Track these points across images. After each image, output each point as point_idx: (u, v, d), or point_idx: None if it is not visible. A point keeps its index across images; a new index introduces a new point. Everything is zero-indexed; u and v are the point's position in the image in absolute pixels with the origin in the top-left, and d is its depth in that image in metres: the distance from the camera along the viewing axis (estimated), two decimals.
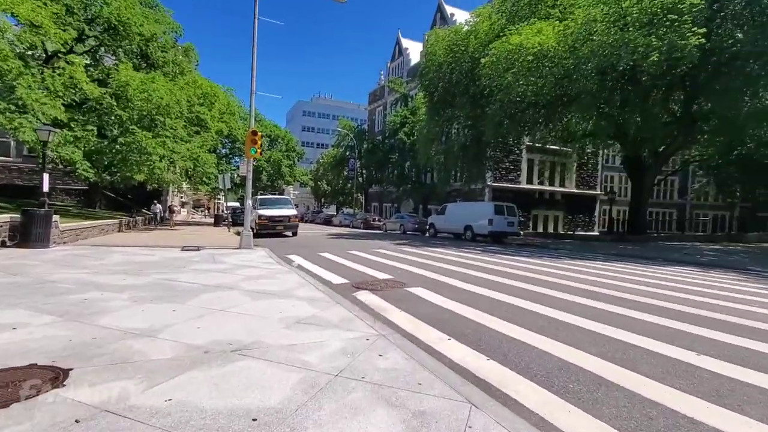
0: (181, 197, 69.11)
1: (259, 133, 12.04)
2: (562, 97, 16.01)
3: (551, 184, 38.45)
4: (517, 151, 33.29)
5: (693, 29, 12.21)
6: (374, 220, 33.49)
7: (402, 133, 36.88)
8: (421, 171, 39.38)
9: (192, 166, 21.80)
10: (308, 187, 68.54)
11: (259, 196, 21.09)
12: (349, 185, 57.44)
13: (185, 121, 23.56)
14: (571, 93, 15.61)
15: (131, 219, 21.05)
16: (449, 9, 41.16)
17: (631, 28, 13.69)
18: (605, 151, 40.05)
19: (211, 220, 33.74)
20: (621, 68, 13.73)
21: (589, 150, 37.08)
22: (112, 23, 21.72)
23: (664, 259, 13.39)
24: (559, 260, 12.04)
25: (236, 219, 34.17)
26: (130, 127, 18.41)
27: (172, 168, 21.57)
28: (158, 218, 24.77)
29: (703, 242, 23.19)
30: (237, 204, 52.75)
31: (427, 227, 23.98)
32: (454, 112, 22.20)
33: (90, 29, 22.19)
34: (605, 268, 10.33)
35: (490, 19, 20.75)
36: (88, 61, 22.86)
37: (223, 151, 33.64)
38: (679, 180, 44.73)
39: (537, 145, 31.47)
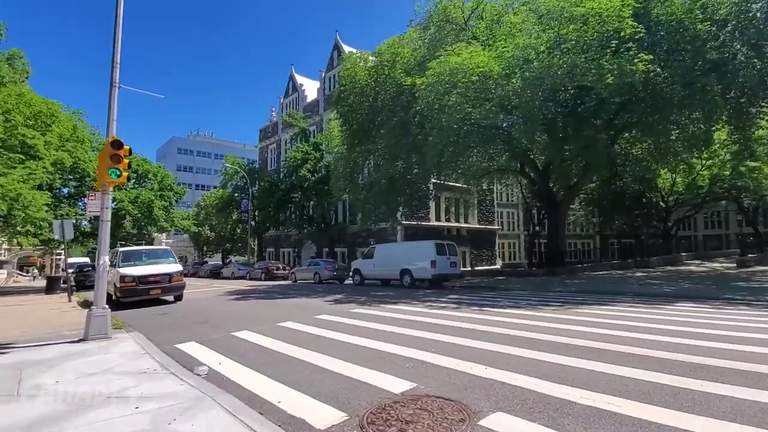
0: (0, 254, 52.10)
1: (127, 147, 7.35)
2: (503, 123, 14.81)
3: (456, 220, 38.75)
4: (425, 188, 32.53)
5: (639, 55, 11.98)
6: (278, 269, 28.29)
7: (304, 169, 33.16)
8: (327, 210, 35.85)
9: (5, 209, 14.58)
10: (186, 235, 58.50)
11: (120, 249, 14.89)
12: (239, 230, 50.22)
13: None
14: (514, 117, 14.50)
15: None
16: (347, 47, 40.36)
17: (571, 54, 13.16)
18: (507, 188, 42.57)
19: (43, 285, 24.36)
20: (572, 90, 12.97)
21: (485, 187, 38.79)
22: None
23: (634, 294, 12.31)
24: (560, 307, 9.74)
25: (84, 279, 25.34)
26: None
27: None
28: None
29: (620, 269, 24.33)
30: (86, 260, 41.21)
31: (351, 274, 20.29)
32: (376, 142, 19.73)
33: None
34: (631, 316, 8.24)
35: (409, 46, 19.43)
36: None
37: (66, 190, 25.21)
38: None
39: (441, 181, 31.01)
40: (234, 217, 46.84)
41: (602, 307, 9.67)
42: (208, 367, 5.35)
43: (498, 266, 40.48)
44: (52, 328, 8.78)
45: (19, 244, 23.37)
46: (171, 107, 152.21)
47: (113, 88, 7.55)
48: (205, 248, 59.67)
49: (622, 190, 31.43)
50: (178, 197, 30.77)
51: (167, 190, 28.68)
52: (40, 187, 17.29)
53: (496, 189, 44.01)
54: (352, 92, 18.22)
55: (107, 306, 7.30)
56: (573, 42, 13.45)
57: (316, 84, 44.37)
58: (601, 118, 15.12)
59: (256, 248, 46.17)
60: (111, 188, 7.49)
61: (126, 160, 7.33)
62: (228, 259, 56.33)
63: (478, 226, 40.19)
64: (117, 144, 7.05)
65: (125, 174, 7.31)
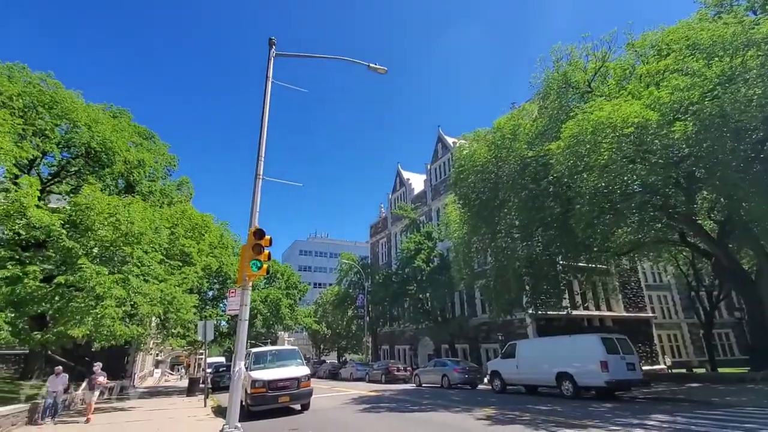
0: (157, 355, 59.36)
1: (268, 236, 6.87)
2: (678, 180, 11.90)
3: (597, 308, 32.49)
4: (553, 272, 28.28)
5: None
6: (399, 370, 25.87)
7: (419, 259, 32.11)
8: (446, 303, 33.31)
9: (161, 312, 15.86)
10: (305, 333, 60.18)
11: (253, 350, 14.63)
12: (354, 327, 49.83)
13: (164, 255, 18.62)
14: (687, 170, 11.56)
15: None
16: (450, 139, 41.57)
17: (760, 81, 10.41)
18: (653, 266, 35.65)
19: (186, 385, 25.69)
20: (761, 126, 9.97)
21: (627, 266, 32.53)
22: (93, 148, 18.65)
23: None
24: None
25: (219, 381, 26.18)
26: (78, 261, 13.18)
27: (135, 317, 15.62)
28: (56, 406, 12.56)
29: None
30: (222, 359, 43.93)
31: (489, 378, 17.01)
32: (500, 222, 17.92)
33: (65, 152, 19.09)
34: None
35: (526, 119, 18.38)
36: (65, 189, 19.25)
37: (210, 293, 27.83)
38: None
39: (571, 263, 26.51)
40: (349, 314, 46.98)
41: None
42: None
43: (663, 366, 31.87)
44: None
45: (170, 345, 25.79)
46: (292, 213, 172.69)
47: (257, 179, 7.46)
48: (321, 346, 60.20)
49: None
50: (301, 295, 31.87)
51: (292, 289, 29.95)
52: (190, 291, 18.93)
53: (641, 268, 37.00)
54: (472, 171, 17.25)
55: (239, 425, 6.17)
56: (755, 70, 10.78)
57: (422, 177, 45.75)
58: None
59: (370, 346, 44.67)
60: (250, 283, 6.92)
61: (266, 252, 6.81)
62: (343, 357, 55.50)
63: (625, 314, 33.20)
64: (259, 234, 6.60)
65: (265, 266, 6.72)
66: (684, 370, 29.49)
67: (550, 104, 17.56)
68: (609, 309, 33.07)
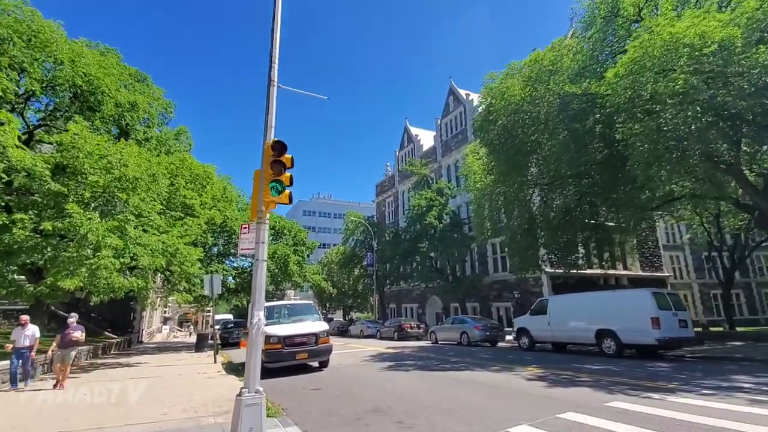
0: (164, 311, 59.75)
1: (289, 155, 5.27)
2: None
3: (613, 267, 31.38)
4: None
5: None
6: (412, 327, 25.16)
7: (430, 216, 30.72)
8: (457, 261, 32.26)
9: (164, 264, 14.60)
10: (310, 292, 60.18)
11: (266, 303, 13.48)
12: (360, 286, 49.47)
13: (163, 206, 17.14)
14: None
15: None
16: (463, 91, 38.89)
17: None
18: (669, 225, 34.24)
19: (194, 341, 25.15)
20: None
21: (644, 224, 31.15)
22: (79, 86, 16.68)
23: None
24: None
25: (228, 337, 25.65)
26: (65, 207, 11.72)
27: (135, 269, 14.40)
28: (27, 368, 9.73)
29: None
30: (229, 316, 43.80)
31: (515, 335, 15.99)
32: (530, 170, 16.25)
33: (50, 94, 17.14)
34: None
35: (558, 51, 16.17)
36: (56, 138, 17.48)
37: (215, 249, 26.64)
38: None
39: (591, 221, 24.82)
40: (356, 273, 46.31)
41: None
42: None
43: None
44: (193, 407, 6.82)
45: (177, 302, 25.02)
46: (296, 173, 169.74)
47: (271, 86, 5.76)
48: (327, 304, 60.39)
49: None
50: (309, 252, 30.78)
51: (300, 245, 28.81)
52: (194, 244, 17.64)
53: (660, 227, 35.72)
54: (504, 111, 15.31)
55: (261, 389, 4.89)
56: None
57: (431, 133, 43.55)
58: None
59: (377, 304, 44.41)
60: (268, 215, 5.41)
61: (288, 174, 5.24)
62: (349, 316, 55.77)
63: (642, 273, 32.29)
64: (279, 147, 4.99)
65: (287, 192, 5.18)
66: (700, 329, 28.89)
67: (593, 35, 15.34)
68: (625, 267, 32.21)
